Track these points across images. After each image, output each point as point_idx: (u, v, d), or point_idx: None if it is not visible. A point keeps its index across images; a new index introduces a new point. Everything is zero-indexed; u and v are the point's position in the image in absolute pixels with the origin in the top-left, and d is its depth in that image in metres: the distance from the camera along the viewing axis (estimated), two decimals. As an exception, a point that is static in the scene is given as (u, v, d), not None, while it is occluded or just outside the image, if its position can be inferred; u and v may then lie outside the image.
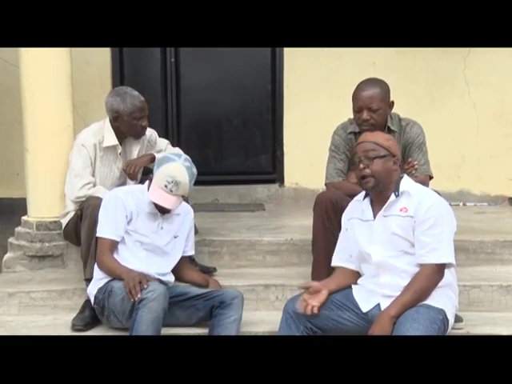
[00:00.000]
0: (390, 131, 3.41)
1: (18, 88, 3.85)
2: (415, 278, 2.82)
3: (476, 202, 5.17)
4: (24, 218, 3.98)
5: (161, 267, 3.27)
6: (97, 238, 3.28)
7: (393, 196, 2.90)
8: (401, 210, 2.87)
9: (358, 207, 3.04)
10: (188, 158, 3.26)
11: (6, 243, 3.97)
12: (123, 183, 3.72)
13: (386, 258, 2.87)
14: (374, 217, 2.93)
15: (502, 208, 5.06)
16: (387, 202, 2.90)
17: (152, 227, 3.25)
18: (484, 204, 5.17)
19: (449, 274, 2.92)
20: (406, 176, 3.01)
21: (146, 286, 2.97)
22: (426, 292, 2.81)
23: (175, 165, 3.16)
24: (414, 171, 3.23)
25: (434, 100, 5.19)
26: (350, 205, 3.11)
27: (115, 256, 3.20)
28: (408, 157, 3.39)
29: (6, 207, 4.90)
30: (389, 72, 4.65)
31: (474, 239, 3.85)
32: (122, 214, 3.19)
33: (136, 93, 3.60)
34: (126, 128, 3.59)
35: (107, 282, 3.17)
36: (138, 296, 2.94)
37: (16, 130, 4.21)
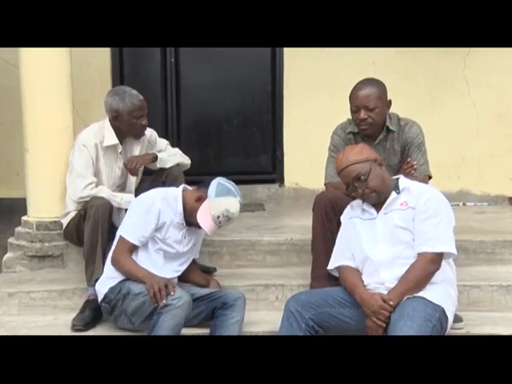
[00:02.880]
0: (388, 131, 3.42)
1: (18, 88, 3.85)
2: (412, 267, 2.85)
3: (476, 202, 5.17)
4: (24, 218, 3.98)
5: (172, 273, 3.25)
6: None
7: (393, 194, 2.94)
8: (401, 205, 2.92)
9: (357, 207, 3.06)
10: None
11: (6, 243, 3.97)
12: (124, 182, 3.73)
13: (391, 255, 2.89)
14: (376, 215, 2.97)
15: (502, 208, 5.05)
16: (388, 200, 2.94)
17: (177, 236, 3.24)
18: (484, 204, 5.16)
19: (449, 269, 2.95)
20: (401, 176, 3.04)
21: (172, 293, 2.96)
22: (422, 280, 2.83)
23: (235, 201, 3.17)
24: (413, 171, 3.23)
25: (434, 100, 5.19)
26: (349, 206, 3.13)
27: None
28: (407, 157, 3.39)
29: (5, 207, 4.90)
30: (389, 72, 4.65)
31: (474, 239, 3.85)
32: (153, 222, 3.16)
33: (135, 92, 3.60)
34: (125, 127, 3.59)
35: (120, 282, 3.14)
36: (163, 301, 2.93)
37: (16, 130, 4.21)
